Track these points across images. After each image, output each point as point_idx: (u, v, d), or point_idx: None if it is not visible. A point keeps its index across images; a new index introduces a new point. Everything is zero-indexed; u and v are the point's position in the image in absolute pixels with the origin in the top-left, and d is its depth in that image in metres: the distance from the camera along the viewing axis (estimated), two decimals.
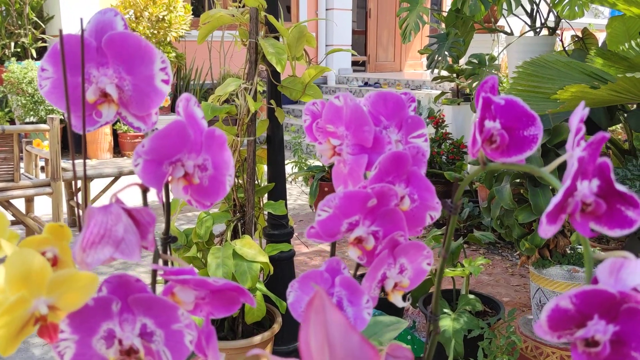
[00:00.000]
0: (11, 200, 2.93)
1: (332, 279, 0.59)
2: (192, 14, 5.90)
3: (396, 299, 0.60)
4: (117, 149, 5.85)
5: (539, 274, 1.69)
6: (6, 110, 5.45)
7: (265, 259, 1.71)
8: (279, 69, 1.73)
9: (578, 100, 1.38)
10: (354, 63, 8.72)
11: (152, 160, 0.50)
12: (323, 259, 3.08)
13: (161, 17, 5.50)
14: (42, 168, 3.94)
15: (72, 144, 0.51)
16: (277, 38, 1.87)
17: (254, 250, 1.69)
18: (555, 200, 0.41)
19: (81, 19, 0.50)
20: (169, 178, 0.52)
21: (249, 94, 1.77)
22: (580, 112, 0.46)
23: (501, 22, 4.52)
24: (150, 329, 0.44)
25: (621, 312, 0.42)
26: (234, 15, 1.87)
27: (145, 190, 0.52)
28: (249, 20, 1.81)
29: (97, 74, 0.52)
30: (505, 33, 3.67)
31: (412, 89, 6.89)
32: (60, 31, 0.47)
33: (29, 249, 0.40)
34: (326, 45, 7.98)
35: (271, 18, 1.79)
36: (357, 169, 0.62)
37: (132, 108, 0.53)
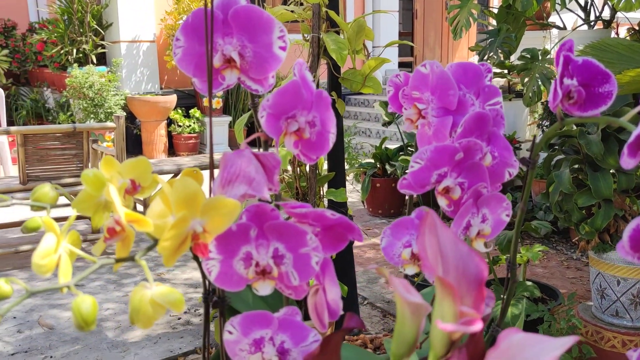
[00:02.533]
0: None
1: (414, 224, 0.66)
2: None
3: (479, 246, 0.66)
4: (172, 150, 6.05)
5: (599, 258, 1.71)
6: (68, 114, 5.72)
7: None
8: (340, 62, 1.81)
9: (637, 84, 1.41)
10: (401, 64, 8.74)
11: (273, 114, 0.58)
12: (377, 252, 3.14)
13: None
14: None
15: (216, 138, 0.59)
16: (337, 32, 1.95)
17: None
18: (636, 132, 0.47)
19: None
20: (284, 132, 0.60)
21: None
22: None
23: (553, 18, 4.49)
24: (282, 252, 0.52)
25: None
26: (294, 12, 1.96)
27: (266, 140, 0.60)
28: (312, 15, 1.90)
29: (223, 42, 0.61)
30: (558, 28, 3.66)
31: None
32: (205, 3, 0.56)
33: (189, 177, 0.48)
34: (373, 47, 8.03)
35: (332, 13, 1.87)
36: (442, 130, 0.69)
37: (252, 72, 0.62)
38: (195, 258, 0.61)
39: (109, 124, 3.07)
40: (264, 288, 0.51)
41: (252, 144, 0.62)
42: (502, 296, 0.74)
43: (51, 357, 2.06)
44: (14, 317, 2.38)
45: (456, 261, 0.43)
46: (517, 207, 0.72)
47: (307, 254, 0.52)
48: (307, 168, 1.95)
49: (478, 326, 0.40)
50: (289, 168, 2.04)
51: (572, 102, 0.60)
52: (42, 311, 2.43)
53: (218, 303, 0.60)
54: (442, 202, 0.65)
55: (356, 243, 3.22)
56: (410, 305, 0.47)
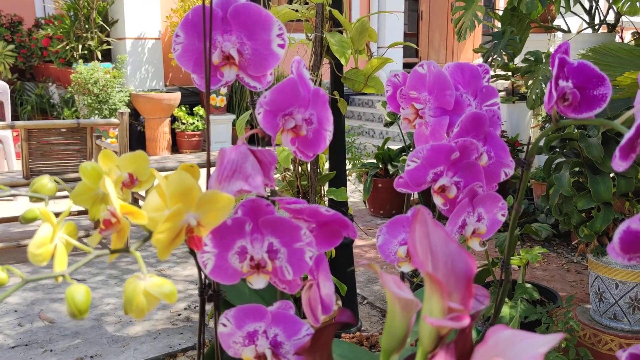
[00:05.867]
0: None
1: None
2: None
3: (474, 244, 0.67)
4: (175, 147, 6.07)
5: (597, 261, 1.71)
6: (73, 109, 5.74)
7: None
8: (343, 61, 1.82)
9: (637, 88, 1.41)
10: (406, 65, 8.74)
11: (270, 110, 0.58)
12: (377, 252, 3.14)
13: None
14: None
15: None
16: (340, 32, 1.96)
17: None
18: (628, 135, 0.48)
19: None
20: (281, 129, 0.61)
21: (315, 85, 1.86)
22: None
23: (558, 21, 4.48)
24: (276, 247, 0.52)
25: None
26: (298, 11, 1.97)
27: (263, 137, 0.61)
28: (315, 15, 1.90)
29: (222, 39, 0.61)
30: (562, 31, 3.66)
31: None
32: (203, 0, 0.57)
33: (185, 172, 0.49)
34: (378, 48, 8.04)
35: (336, 13, 1.88)
36: (439, 129, 0.70)
37: (250, 70, 0.62)
38: (192, 252, 0.62)
39: (113, 120, 3.08)
40: (258, 282, 0.51)
41: (252, 142, 0.63)
42: (496, 297, 0.74)
43: (51, 350, 2.07)
44: (15, 311, 2.39)
45: (445, 258, 0.44)
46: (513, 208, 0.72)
47: (301, 249, 0.52)
48: (309, 167, 1.96)
49: (465, 322, 0.40)
50: (291, 167, 2.05)
51: (566, 104, 0.60)
52: (42, 305, 2.44)
53: (213, 297, 0.60)
54: (438, 200, 0.65)
55: (357, 243, 3.23)
56: (400, 300, 0.47)
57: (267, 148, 0.57)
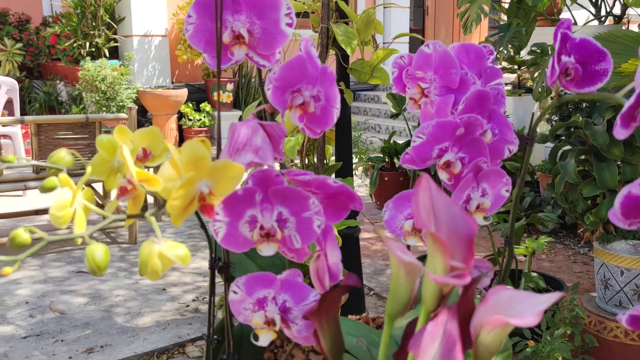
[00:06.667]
0: (92, 185, 3.14)
1: None
2: None
3: (478, 219, 0.68)
4: (182, 143, 6.10)
5: (603, 248, 1.72)
6: (80, 107, 5.78)
7: (335, 233, 1.80)
8: (349, 52, 1.83)
9: None
10: None
11: (279, 86, 0.60)
12: (383, 245, 3.16)
13: None
14: None
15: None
16: (346, 24, 1.97)
17: None
18: (628, 103, 0.49)
19: None
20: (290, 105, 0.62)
21: None
22: None
23: (565, 14, 4.47)
24: (285, 216, 0.54)
25: None
26: (306, 3, 1.98)
27: (272, 113, 0.63)
28: (321, 6, 1.92)
29: (232, 19, 0.63)
30: None
31: None
32: None
33: (197, 141, 0.51)
34: (383, 43, 8.03)
35: (342, 4, 1.89)
36: (444, 108, 0.71)
37: (260, 48, 0.64)
38: (203, 226, 0.64)
39: (122, 114, 3.11)
40: (267, 249, 0.53)
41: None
42: (500, 273, 0.76)
43: (62, 340, 2.10)
44: (26, 302, 2.42)
45: (448, 220, 0.45)
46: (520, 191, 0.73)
47: (309, 218, 0.54)
48: (315, 159, 1.97)
49: (467, 279, 0.42)
50: (297, 159, 2.06)
51: (569, 79, 0.61)
52: (53, 297, 2.48)
53: (223, 268, 0.62)
54: (443, 176, 0.67)
55: (363, 235, 3.25)
56: (405, 264, 0.49)
57: (277, 122, 0.59)
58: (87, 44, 5.84)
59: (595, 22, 3.42)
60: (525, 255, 2.03)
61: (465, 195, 0.67)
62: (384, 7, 7.91)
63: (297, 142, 1.92)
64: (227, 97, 6.12)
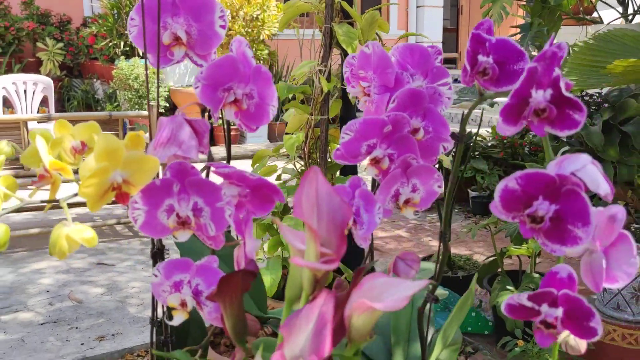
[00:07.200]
0: None
1: (352, 192, 0.71)
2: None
3: (408, 213, 0.71)
4: (212, 141, 6.21)
5: None
6: (115, 104, 5.96)
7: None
8: (349, 51, 1.86)
9: (632, 75, 1.40)
10: (446, 60, 8.67)
11: (209, 85, 0.64)
12: (398, 243, 3.17)
13: (255, 16, 5.79)
14: None
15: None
16: (351, 24, 2.00)
17: None
18: (508, 101, 0.51)
19: None
20: (223, 103, 0.66)
21: (323, 76, 1.91)
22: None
23: (594, 14, 4.37)
24: (200, 206, 0.58)
25: (562, 194, 0.51)
26: (311, 4, 2.02)
27: (203, 110, 0.67)
28: (325, 7, 1.95)
29: (172, 21, 0.67)
30: (595, 23, 3.58)
31: None
32: None
33: (111, 135, 0.55)
34: (417, 43, 8.00)
35: (344, 4, 1.92)
36: (381, 106, 0.74)
37: (197, 49, 0.68)
38: None
39: (143, 112, 3.21)
40: (182, 236, 0.57)
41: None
42: (435, 268, 0.78)
43: (77, 328, 2.20)
44: (47, 291, 2.53)
45: (329, 210, 0.48)
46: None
47: (222, 208, 0.58)
48: (318, 156, 2.01)
49: (333, 265, 0.45)
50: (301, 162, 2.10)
51: (486, 78, 0.63)
52: (73, 287, 2.58)
53: (157, 253, 0.66)
54: (372, 171, 0.70)
55: (377, 234, 3.26)
56: (299, 252, 0.52)
57: (202, 119, 0.63)
58: (122, 43, 6.02)
59: (620, 21, 3.34)
60: (528, 256, 2.02)
61: (393, 190, 0.70)
62: (417, 7, 7.88)
63: (297, 140, 1.96)
64: None
